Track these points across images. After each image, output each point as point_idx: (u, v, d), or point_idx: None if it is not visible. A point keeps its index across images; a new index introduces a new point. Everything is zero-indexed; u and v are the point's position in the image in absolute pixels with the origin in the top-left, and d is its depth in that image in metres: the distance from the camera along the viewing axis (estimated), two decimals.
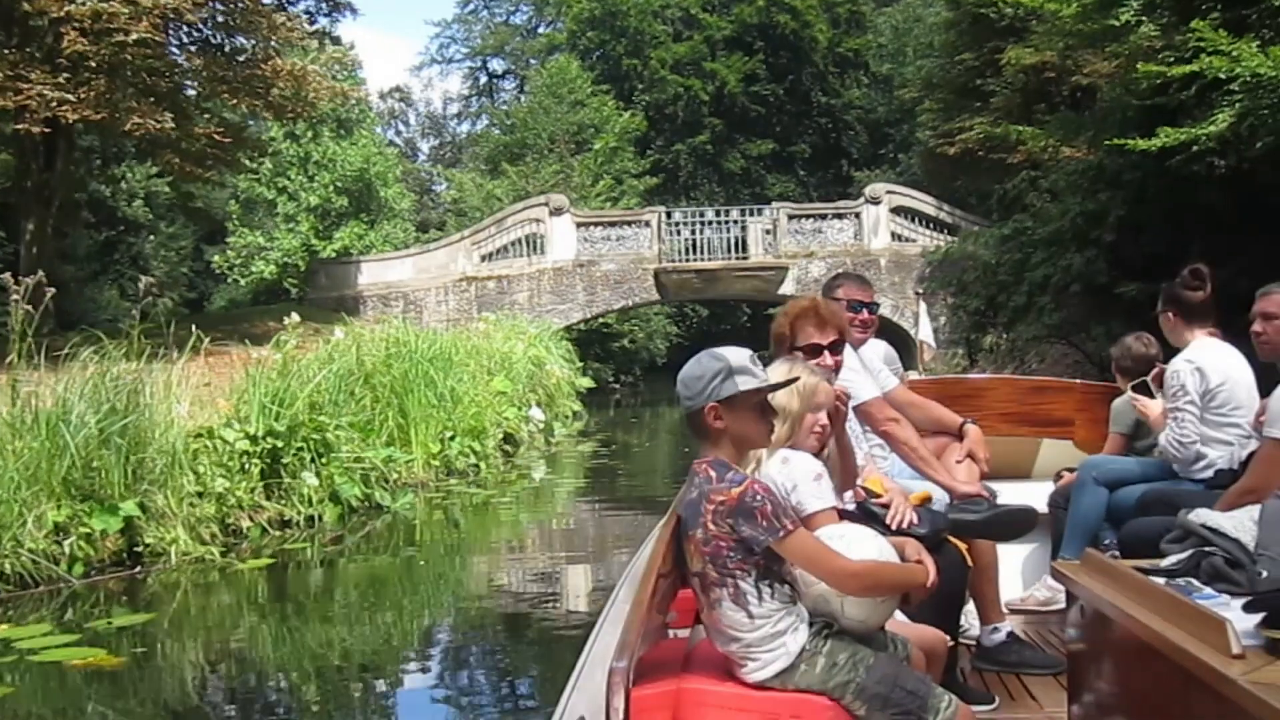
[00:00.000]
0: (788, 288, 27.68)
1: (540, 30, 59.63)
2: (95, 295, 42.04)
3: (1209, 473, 4.75)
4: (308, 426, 10.67)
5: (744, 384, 2.87)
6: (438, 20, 78.84)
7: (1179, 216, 17.19)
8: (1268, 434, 3.99)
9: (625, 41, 49.63)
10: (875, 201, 28.71)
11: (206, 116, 20.08)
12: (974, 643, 4.52)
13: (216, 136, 20.01)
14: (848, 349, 4.22)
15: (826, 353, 3.93)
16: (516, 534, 11.35)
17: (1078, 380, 6.79)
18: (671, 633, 3.25)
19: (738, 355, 2.92)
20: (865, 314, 4.85)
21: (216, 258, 41.42)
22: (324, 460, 10.65)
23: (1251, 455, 4.25)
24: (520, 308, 27.52)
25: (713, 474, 2.83)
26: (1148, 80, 15.41)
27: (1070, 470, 5.34)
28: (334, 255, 31.79)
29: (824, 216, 29.36)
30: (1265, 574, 2.74)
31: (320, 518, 10.49)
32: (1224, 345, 4.90)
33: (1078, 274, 18.11)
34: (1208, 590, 2.78)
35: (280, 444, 10.27)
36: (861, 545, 2.98)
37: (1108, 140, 15.20)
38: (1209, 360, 4.82)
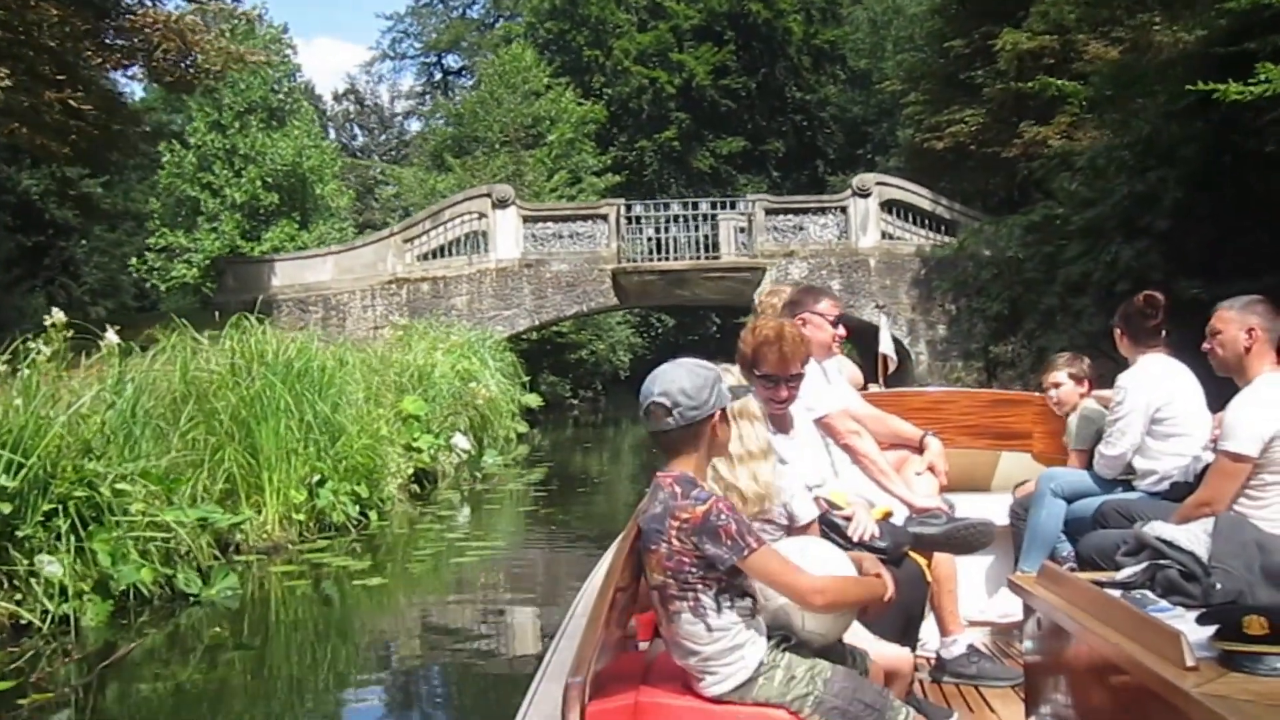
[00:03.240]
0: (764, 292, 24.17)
1: (498, 25, 56.00)
2: (21, 303, 38.52)
3: (1164, 485, 4.76)
4: (66, 480, 7.06)
5: (727, 389, 2.96)
6: (389, 14, 74.62)
7: (1246, 199, 13.98)
8: (1221, 447, 4.02)
9: (586, 32, 46.11)
10: (864, 194, 25.27)
11: (61, 78, 16.39)
12: (933, 655, 4.47)
13: (74, 104, 16.30)
14: (812, 362, 4.20)
15: (783, 385, 3.87)
16: (371, 641, 7.64)
17: (1035, 393, 6.53)
18: (630, 646, 3.18)
19: (709, 363, 3.01)
20: (841, 329, 4.73)
21: (134, 260, 37.80)
22: (88, 531, 7.04)
23: (1207, 468, 4.23)
24: (459, 313, 23.96)
25: (677, 490, 2.82)
26: (1230, 16, 12.07)
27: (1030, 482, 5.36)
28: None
29: (806, 211, 25.85)
30: (1219, 586, 2.88)
31: (78, 619, 6.88)
32: (1170, 362, 4.98)
33: (1125, 269, 14.82)
34: (1162, 603, 2.87)
35: (12, 508, 6.67)
36: (823, 560, 3.00)
37: (1191, 86, 11.79)
38: (1152, 378, 4.92)
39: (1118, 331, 5.10)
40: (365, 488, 10.81)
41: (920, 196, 25.47)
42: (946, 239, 24.80)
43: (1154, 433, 4.86)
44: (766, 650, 2.83)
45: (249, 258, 27.26)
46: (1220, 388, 4.24)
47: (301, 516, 9.85)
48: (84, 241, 43.45)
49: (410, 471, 13.47)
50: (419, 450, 13.75)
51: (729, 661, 2.79)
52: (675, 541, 2.75)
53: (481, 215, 24.59)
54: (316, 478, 9.99)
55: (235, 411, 9.63)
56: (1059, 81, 17.44)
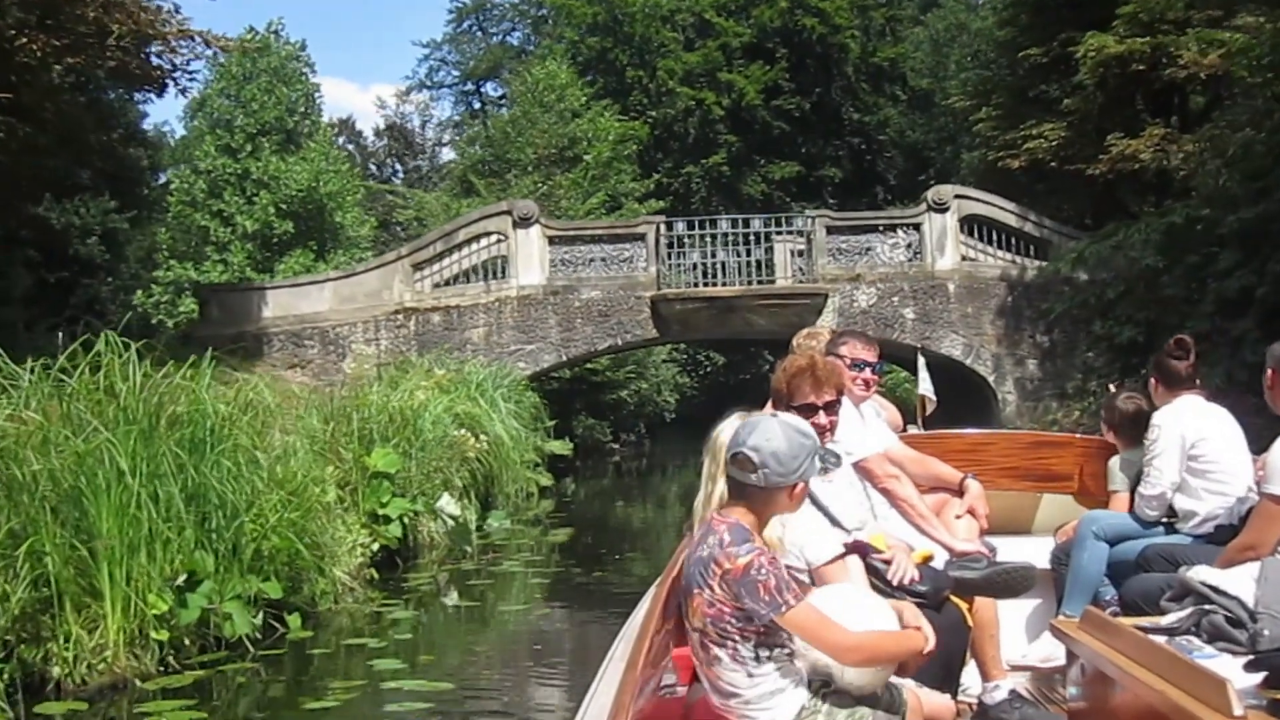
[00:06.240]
0: (827, 321, 20.84)
1: (535, 48, 53.24)
2: (42, 342, 36.29)
3: (1208, 528, 4.71)
4: None
5: (819, 463, 3.10)
6: (426, 41, 72.30)
7: None
8: (1265, 490, 3.97)
9: (630, 51, 43.16)
10: (940, 208, 21.87)
11: None
12: (975, 701, 4.38)
13: None
14: (848, 404, 4.25)
15: (822, 412, 3.85)
16: None
17: (1076, 434, 6.58)
18: (669, 691, 3.17)
19: (812, 430, 3.16)
20: (868, 373, 4.69)
21: (140, 294, 35.30)
22: None
23: (1251, 511, 4.20)
24: (474, 348, 20.83)
25: (726, 537, 2.88)
26: None
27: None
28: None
29: (874, 229, 22.46)
30: (1267, 633, 2.82)
31: None
32: (1206, 404, 4.95)
33: None
34: (1208, 649, 2.86)
35: None
36: (864, 611, 3.06)
37: None
38: (1184, 417, 4.86)
39: (1152, 380, 5.13)
40: (276, 585, 7.58)
41: (1006, 211, 22.09)
42: (1036, 262, 21.50)
43: (1192, 470, 4.80)
44: (808, 696, 2.91)
45: (236, 286, 24.39)
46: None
47: (163, 635, 6.63)
48: (110, 279, 41.33)
49: (376, 547, 10.32)
50: (386, 520, 10.56)
51: (768, 706, 2.88)
52: (717, 589, 2.86)
53: (501, 238, 21.48)
54: (180, 577, 6.73)
55: (60, 480, 6.44)
56: (1225, 33, 13.96)
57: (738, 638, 2.84)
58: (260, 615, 7.42)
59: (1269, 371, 4.02)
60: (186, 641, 6.93)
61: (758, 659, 2.86)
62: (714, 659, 2.89)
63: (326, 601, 8.50)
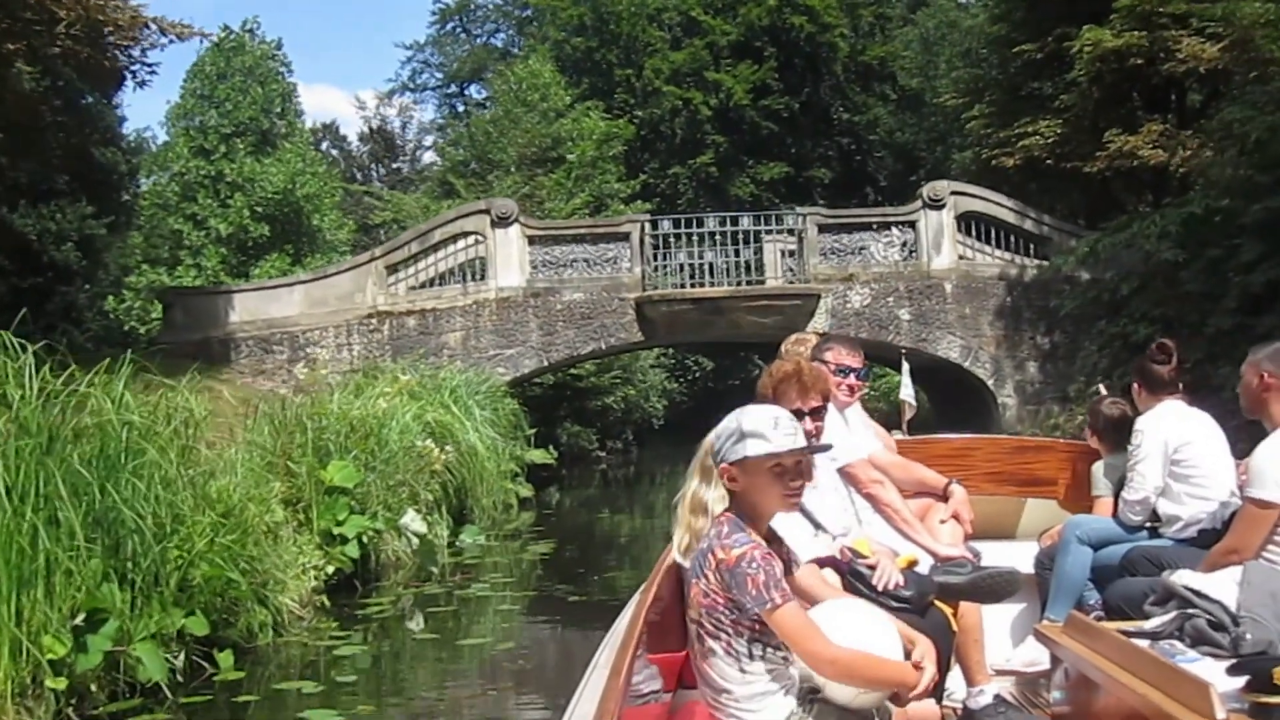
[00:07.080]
0: (819, 323, 20.01)
1: (519, 48, 52.29)
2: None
3: (1192, 532, 4.72)
4: None
5: (753, 449, 2.93)
6: (409, 43, 71.14)
7: None
8: (1248, 494, 4.01)
9: (616, 50, 42.33)
10: (937, 204, 21.02)
11: None
12: (960, 706, 4.40)
13: None
14: (832, 410, 4.24)
15: (807, 418, 3.83)
16: None
17: (1059, 439, 6.49)
18: (654, 697, 3.14)
19: (755, 417, 2.99)
20: (853, 379, 4.74)
21: (111, 300, 34.33)
22: None
23: (1234, 515, 4.24)
24: (451, 352, 19.90)
25: (724, 529, 2.92)
26: None
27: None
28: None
29: (868, 227, 21.60)
30: (1249, 636, 2.86)
31: None
32: (1188, 408, 4.99)
33: None
34: (1191, 653, 2.86)
35: None
36: (862, 631, 2.97)
37: None
38: (1167, 421, 4.89)
39: (1135, 385, 5.14)
40: (202, 620, 6.66)
41: (1004, 208, 21.27)
42: (1035, 260, 20.71)
43: (1175, 474, 4.82)
44: (798, 703, 2.90)
45: (200, 289, 23.46)
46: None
47: (60, 683, 5.72)
48: (87, 286, 40.39)
49: (330, 570, 9.42)
50: (344, 540, 9.65)
51: (757, 708, 2.87)
52: (712, 579, 2.87)
53: (479, 238, 20.57)
54: (79, 615, 5.81)
55: None
56: (1257, 1, 13.11)
57: (731, 631, 2.86)
58: (183, 655, 6.51)
59: (1256, 378, 4.07)
60: (93, 688, 6.01)
61: (750, 655, 2.86)
62: (709, 651, 2.89)
63: (266, 635, 7.58)
